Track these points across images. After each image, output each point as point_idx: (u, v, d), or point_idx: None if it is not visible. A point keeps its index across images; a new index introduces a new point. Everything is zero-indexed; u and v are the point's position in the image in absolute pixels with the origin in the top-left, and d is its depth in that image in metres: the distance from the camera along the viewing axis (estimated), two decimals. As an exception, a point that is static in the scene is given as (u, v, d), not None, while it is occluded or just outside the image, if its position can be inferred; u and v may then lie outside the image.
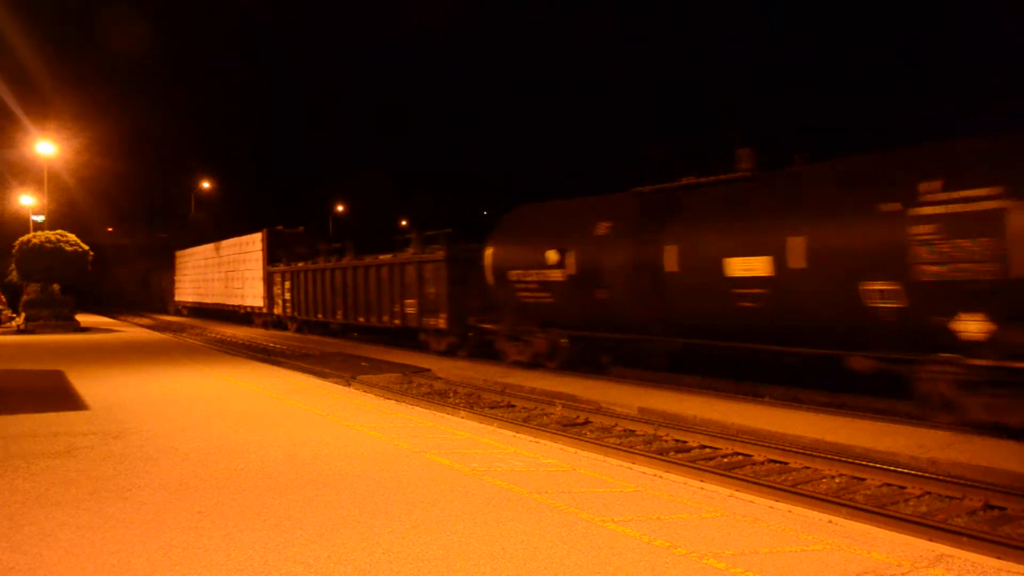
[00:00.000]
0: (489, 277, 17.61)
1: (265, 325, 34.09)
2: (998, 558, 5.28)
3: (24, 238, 30.78)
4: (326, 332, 28.93)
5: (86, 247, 31.11)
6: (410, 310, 21.25)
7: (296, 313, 30.04)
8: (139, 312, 54.86)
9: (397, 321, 22.11)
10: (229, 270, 38.91)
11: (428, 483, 6.73)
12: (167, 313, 52.61)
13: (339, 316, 26.01)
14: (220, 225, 61.50)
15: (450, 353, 20.02)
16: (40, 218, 40.01)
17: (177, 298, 51.17)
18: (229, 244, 39.28)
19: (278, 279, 31.78)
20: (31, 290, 31.93)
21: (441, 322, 19.87)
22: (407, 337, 22.91)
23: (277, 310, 32.12)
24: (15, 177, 44.44)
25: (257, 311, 34.58)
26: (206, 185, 65.90)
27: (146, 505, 6.17)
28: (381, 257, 23.20)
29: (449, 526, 5.55)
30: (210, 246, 43.02)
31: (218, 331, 33.99)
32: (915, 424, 10.13)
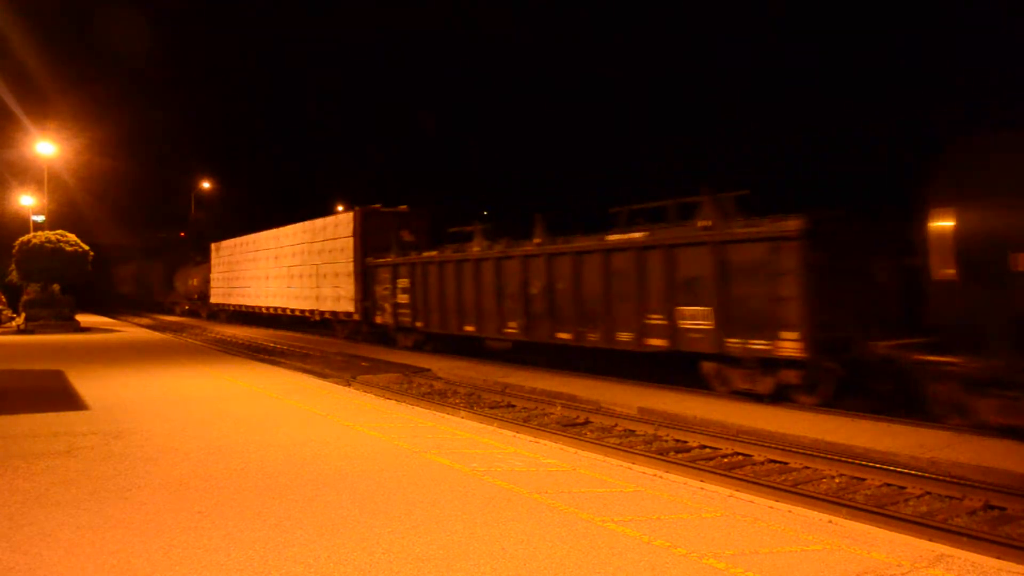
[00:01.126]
0: (944, 266, 9.69)
1: (353, 337, 25.88)
2: (998, 558, 5.29)
3: (24, 238, 30.81)
4: (477, 354, 20.04)
5: (86, 247, 31.13)
6: (691, 323, 12.90)
7: (420, 322, 21.30)
8: (141, 312, 53.02)
9: (658, 341, 13.50)
10: (295, 264, 30.00)
11: (428, 483, 6.73)
12: (199, 318, 44.50)
13: (511, 329, 17.46)
14: (220, 224, 61.38)
15: (779, 398, 12.02)
16: (40, 218, 40.05)
17: (214, 300, 41.94)
18: (298, 231, 30.22)
19: (384, 275, 23.19)
20: (31, 290, 31.95)
21: (786, 346, 11.49)
22: (668, 366, 14.36)
23: (382, 318, 23.37)
24: (15, 177, 44.46)
25: (343, 318, 25.92)
26: (206, 185, 65.88)
27: (146, 505, 6.17)
28: (612, 238, 14.68)
29: (449, 526, 5.55)
30: (265, 234, 34.45)
31: (218, 331, 33.98)
32: (915, 424, 10.13)
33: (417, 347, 22.08)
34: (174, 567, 4.82)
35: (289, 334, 30.79)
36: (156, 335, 29.51)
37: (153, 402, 11.67)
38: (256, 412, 10.72)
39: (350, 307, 25.10)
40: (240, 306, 37.54)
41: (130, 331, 31.64)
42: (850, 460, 8.88)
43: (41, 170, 35.26)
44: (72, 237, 30.97)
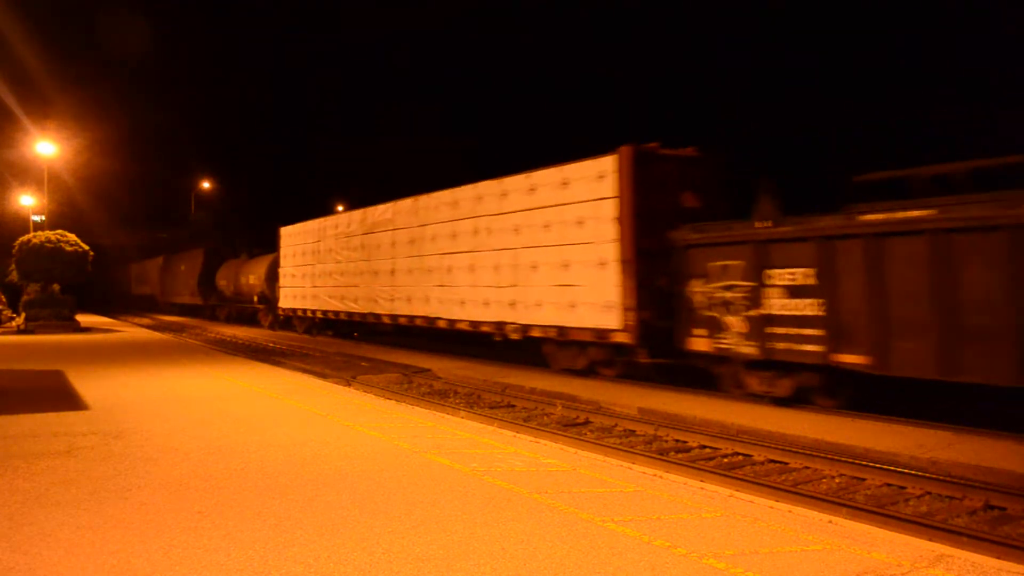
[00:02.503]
0: None
1: (590, 370, 15.80)
2: (998, 558, 5.29)
3: (24, 238, 30.83)
4: None
5: (86, 247, 31.15)
6: None
7: (860, 355, 10.75)
8: (142, 312, 52.45)
9: None
10: (461, 250, 19.07)
11: (428, 483, 6.73)
12: (260, 326, 35.38)
13: None
14: (221, 224, 61.31)
15: None
16: (40, 218, 40.12)
17: (286, 304, 31.16)
18: (462, 198, 19.21)
19: (718, 263, 12.91)
20: (31, 290, 31.99)
21: None
22: None
23: (712, 342, 12.91)
24: (15, 177, 44.52)
25: (581, 338, 15.32)
26: (206, 185, 65.92)
27: (146, 505, 6.17)
28: None
29: (449, 526, 5.55)
30: (380, 209, 23.49)
31: (217, 331, 33.96)
32: (915, 424, 10.13)
33: (800, 399, 11.90)
34: (174, 567, 4.82)
35: (289, 335, 30.42)
36: (156, 335, 29.50)
37: (153, 402, 11.67)
38: (256, 412, 10.72)
39: (607, 320, 14.53)
40: (338, 312, 26.07)
41: (130, 331, 31.65)
42: (850, 460, 8.88)
43: (41, 170, 35.34)
44: (72, 237, 30.99)
